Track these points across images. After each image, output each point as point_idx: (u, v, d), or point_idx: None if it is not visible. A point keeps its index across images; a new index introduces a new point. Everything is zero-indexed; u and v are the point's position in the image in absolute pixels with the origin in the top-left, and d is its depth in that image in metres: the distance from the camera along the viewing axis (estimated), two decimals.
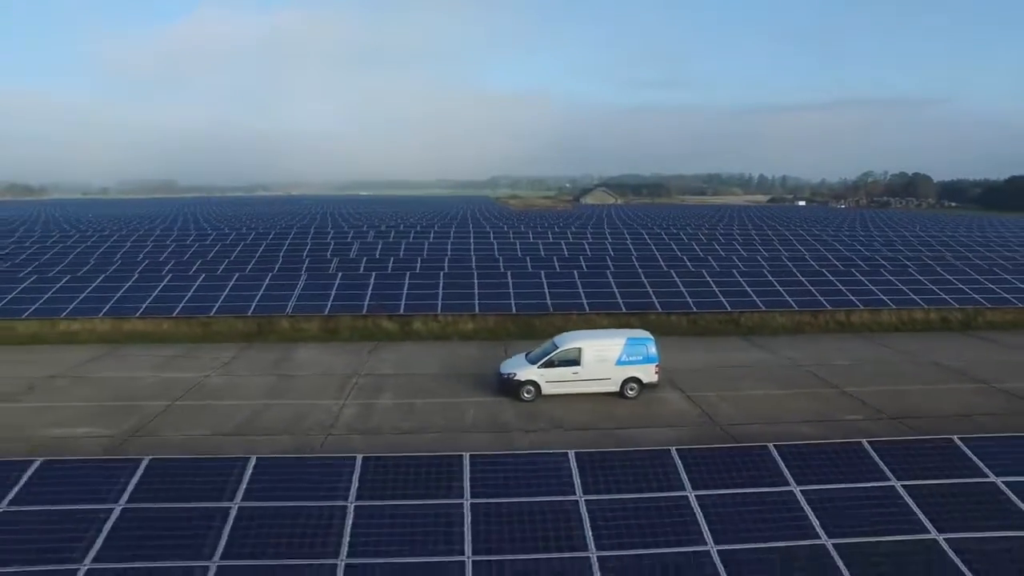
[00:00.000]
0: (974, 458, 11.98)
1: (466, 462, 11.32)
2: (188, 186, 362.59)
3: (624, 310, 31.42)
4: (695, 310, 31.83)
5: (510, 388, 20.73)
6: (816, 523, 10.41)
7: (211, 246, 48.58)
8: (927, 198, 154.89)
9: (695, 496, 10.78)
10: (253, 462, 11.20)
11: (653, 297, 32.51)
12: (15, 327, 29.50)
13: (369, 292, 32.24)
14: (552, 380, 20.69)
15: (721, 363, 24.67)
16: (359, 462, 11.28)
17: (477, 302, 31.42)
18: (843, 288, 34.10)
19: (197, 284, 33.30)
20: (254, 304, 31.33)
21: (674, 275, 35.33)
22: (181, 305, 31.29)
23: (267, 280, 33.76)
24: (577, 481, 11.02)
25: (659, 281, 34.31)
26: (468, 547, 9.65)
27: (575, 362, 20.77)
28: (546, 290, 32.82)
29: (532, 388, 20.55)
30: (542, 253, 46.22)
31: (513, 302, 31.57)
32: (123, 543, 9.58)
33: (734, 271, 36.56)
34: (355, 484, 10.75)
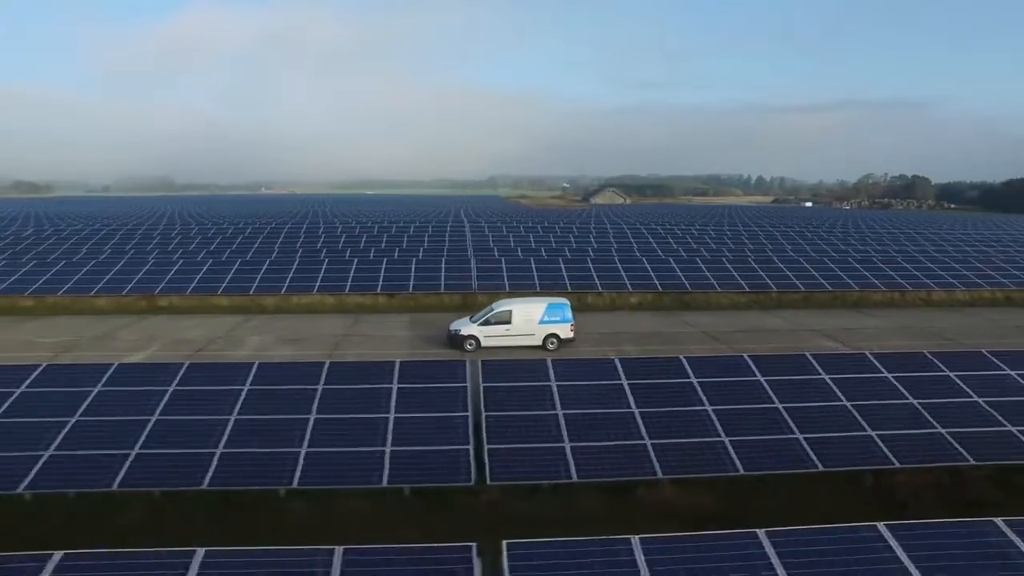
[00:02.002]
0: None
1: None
2: (186, 184, 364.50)
3: (747, 289, 38.06)
4: (803, 289, 38.51)
5: (456, 342, 26.40)
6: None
7: (321, 236, 54.74)
8: (926, 200, 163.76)
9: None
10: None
11: (767, 280, 39.14)
12: (260, 301, 35.54)
13: (505, 275, 38.72)
14: (489, 335, 26.36)
15: (852, 325, 31.36)
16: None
17: (628, 283, 37.87)
18: (917, 273, 40.97)
19: (359, 268, 39.48)
20: (411, 283, 37.64)
21: (776, 261, 42.12)
22: (380, 283, 37.49)
23: (441, 264, 40.10)
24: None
25: (765, 267, 40.92)
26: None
27: (507, 321, 26.56)
28: (679, 273, 39.35)
29: (473, 342, 26.23)
30: (651, 243, 52.87)
31: (657, 283, 38.07)
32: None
33: (825, 259, 43.39)
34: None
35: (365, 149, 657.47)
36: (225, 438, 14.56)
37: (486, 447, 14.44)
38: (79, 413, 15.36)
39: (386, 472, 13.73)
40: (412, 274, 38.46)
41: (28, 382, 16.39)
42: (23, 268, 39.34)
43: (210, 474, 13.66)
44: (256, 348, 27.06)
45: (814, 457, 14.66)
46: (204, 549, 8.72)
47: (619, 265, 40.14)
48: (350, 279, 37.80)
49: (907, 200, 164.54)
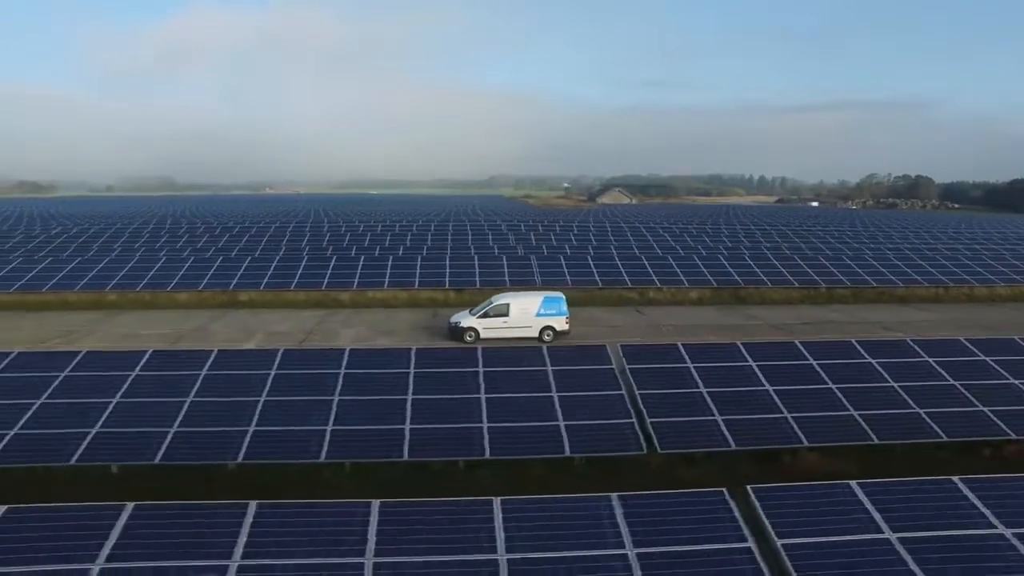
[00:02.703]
0: None
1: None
2: (188, 184, 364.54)
3: (797, 285, 39.78)
4: (849, 285, 40.24)
5: (456, 333, 27.77)
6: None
7: (366, 234, 56.30)
8: (930, 200, 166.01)
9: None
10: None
11: (814, 276, 40.85)
12: (335, 296, 37.09)
13: (565, 270, 40.30)
14: (487, 327, 27.69)
15: (908, 319, 33.10)
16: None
17: (684, 278, 39.51)
18: (957, 270, 42.77)
19: (424, 264, 41.16)
20: (477, 279, 39.24)
21: (821, 259, 43.90)
22: (447, 279, 39.07)
23: (503, 261, 41.67)
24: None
25: (810, 264, 42.68)
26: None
27: (505, 314, 27.99)
28: (730, 269, 41.06)
29: (472, 333, 27.58)
30: (688, 240, 54.47)
31: (711, 279, 39.74)
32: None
33: (865, 256, 45.19)
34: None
35: (365, 149, 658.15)
36: (409, 415, 16.12)
37: (648, 421, 16.05)
38: (265, 393, 16.90)
39: (567, 443, 15.33)
40: (476, 270, 40.02)
41: (208, 365, 17.92)
42: (98, 264, 40.69)
43: (407, 447, 15.21)
44: (353, 340, 28.54)
45: (937, 429, 16.34)
46: (500, 498, 10.28)
47: (672, 261, 41.81)
48: (417, 275, 39.35)
49: (911, 200, 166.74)
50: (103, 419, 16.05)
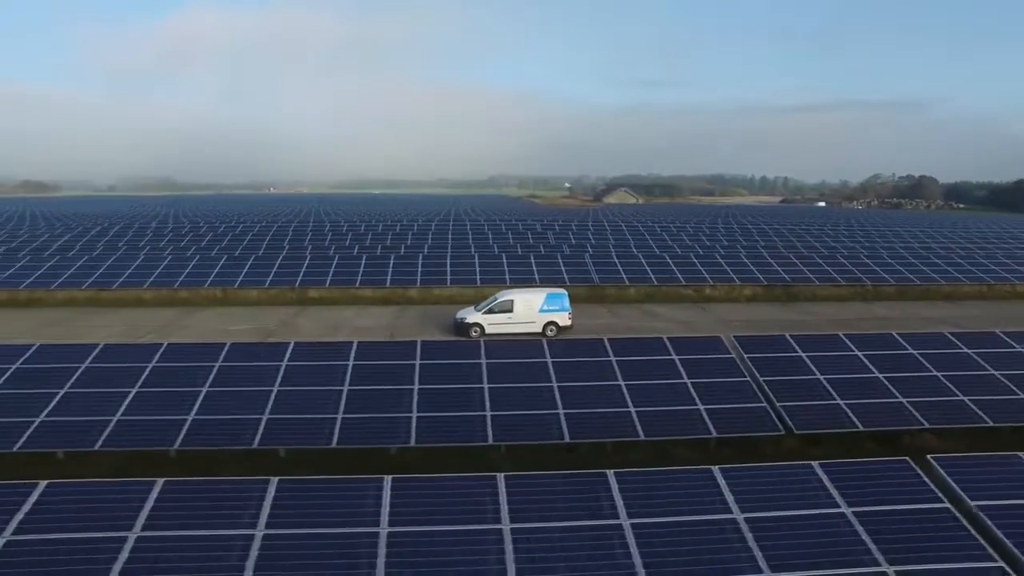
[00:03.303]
0: None
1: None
2: (189, 183, 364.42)
3: (843, 283, 41.22)
4: (893, 283, 41.67)
5: (462, 329, 28.94)
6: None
7: (406, 234, 57.53)
8: (934, 200, 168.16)
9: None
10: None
11: (859, 274, 42.30)
12: (404, 293, 38.35)
13: (621, 270, 41.69)
14: (492, 323, 28.82)
15: (963, 314, 34.52)
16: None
17: (735, 277, 40.89)
18: (995, 267, 44.29)
19: (481, 262, 42.57)
20: (536, 277, 40.54)
21: (862, 257, 45.36)
22: (507, 277, 40.28)
23: (559, 260, 42.98)
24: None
25: (854, 262, 44.15)
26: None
27: (509, 310, 29.18)
28: (776, 267, 42.44)
29: (478, 328, 28.72)
30: (722, 240, 55.87)
31: (760, 277, 41.12)
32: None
33: (905, 255, 46.68)
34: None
35: (365, 149, 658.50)
36: (559, 400, 17.39)
37: (778, 404, 17.38)
38: (417, 382, 18.13)
39: (711, 425, 16.64)
40: (534, 269, 41.28)
41: (352, 356, 19.14)
42: (162, 261, 41.90)
43: (565, 431, 16.48)
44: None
45: None
46: (718, 467, 11.55)
47: (720, 260, 43.19)
48: (477, 272, 40.62)
49: (915, 200, 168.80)
50: (269, 406, 17.26)
